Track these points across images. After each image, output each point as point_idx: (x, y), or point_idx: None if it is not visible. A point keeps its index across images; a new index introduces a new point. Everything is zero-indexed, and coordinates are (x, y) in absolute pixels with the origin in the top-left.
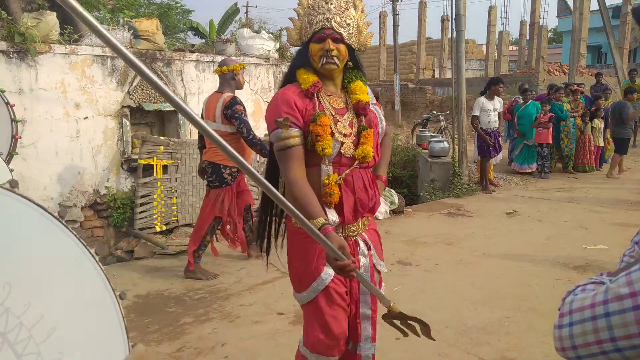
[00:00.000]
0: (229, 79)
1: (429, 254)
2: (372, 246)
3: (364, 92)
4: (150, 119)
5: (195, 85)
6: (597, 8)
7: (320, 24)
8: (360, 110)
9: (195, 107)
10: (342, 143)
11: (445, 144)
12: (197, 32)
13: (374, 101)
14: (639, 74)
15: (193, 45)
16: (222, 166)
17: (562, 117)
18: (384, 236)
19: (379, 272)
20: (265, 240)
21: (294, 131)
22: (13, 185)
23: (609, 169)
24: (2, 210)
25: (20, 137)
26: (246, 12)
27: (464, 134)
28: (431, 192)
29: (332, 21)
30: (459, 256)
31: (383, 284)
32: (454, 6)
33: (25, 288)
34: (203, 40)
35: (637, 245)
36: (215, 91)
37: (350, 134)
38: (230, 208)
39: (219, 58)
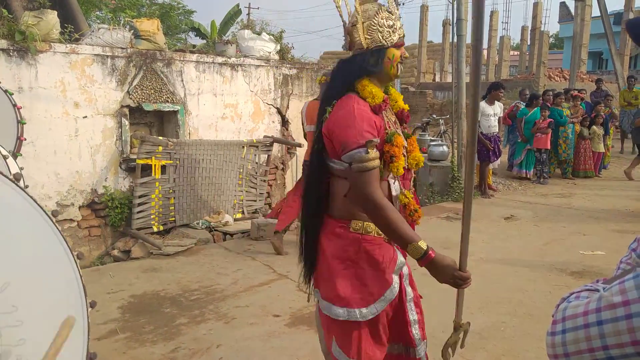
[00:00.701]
0: None
1: None
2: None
3: (401, 98)
4: (149, 119)
5: (195, 85)
6: (599, 14)
7: (401, 30)
8: (404, 118)
9: (195, 107)
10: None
11: (445, 148)
12: (199, 32)
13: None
14: (638, 81)
15: (194, 45)
16: None
17: (561, 123)
18: None
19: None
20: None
21: (376, 152)
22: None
23: (629, 166)
24: None
25: (25, 139)
26: (248, 14)
27: (463, 139)
28: (430, 195)
29: (401, 29)
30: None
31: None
32: (455, 11)
33: None
34: (204, 41)
35: (634, 253)
36: (315, 99)
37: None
38: None
39: (220, 59)
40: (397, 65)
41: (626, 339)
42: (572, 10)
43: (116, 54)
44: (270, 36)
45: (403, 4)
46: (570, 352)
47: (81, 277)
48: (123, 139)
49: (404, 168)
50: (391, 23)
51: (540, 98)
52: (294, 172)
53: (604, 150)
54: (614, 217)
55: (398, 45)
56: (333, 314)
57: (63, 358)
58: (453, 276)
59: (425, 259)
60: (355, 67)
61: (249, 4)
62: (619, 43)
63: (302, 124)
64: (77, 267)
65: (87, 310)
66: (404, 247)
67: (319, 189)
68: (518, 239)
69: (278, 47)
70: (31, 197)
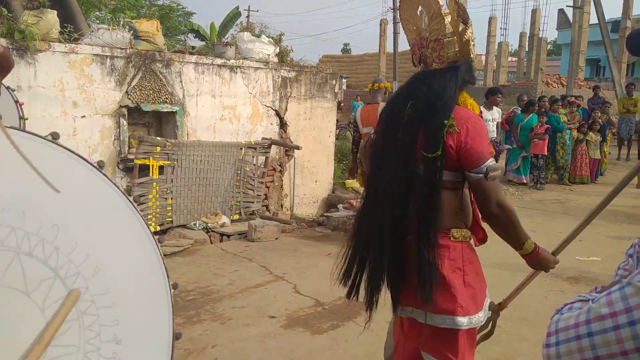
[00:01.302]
0: (382, 93)
1: None
2: None
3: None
4: (147, 119)
5: (194, 86)
6: (597, 22)
7: None
8: None
9: (193, 108)
10: None
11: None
12: (198, 34)
13: None
14: (637, 89)
15: (193, 47)
16: None
17: (559, 129)
18: None
19: None
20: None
21: None
22: (55, 137)
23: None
24: (47, 160)
25: (27, 119)
26: (247, 16)
27: None
28: None
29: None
30: None
31: None
32: None
33: (73, 229)
34: (204, 43)
35: (631, 258)
36: (368, 103)
37: None
38: None
39: (219, 60)
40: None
41: (615, 350)
42: (570, 18)
43: (115, 54)
44: (270, 39)
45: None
46: None
47: (163, 259)
48: (121, 139)
49: None
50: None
51: (537, 104)
52: (291, 174)
53: (600, 157)
54: (610, 224)
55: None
56: (455, 325)
57: (151, 337)
58: (550, 266)
59: (535, 255)
60: (458, 79)
61: (249, 6)
62: (617, 50)
63: (358, 127)
64: (159, 249)
65: (171, 291)
66: (520, 246)
67: (438, 202)
68: None
69: (277, 50)
70: (121, 191)
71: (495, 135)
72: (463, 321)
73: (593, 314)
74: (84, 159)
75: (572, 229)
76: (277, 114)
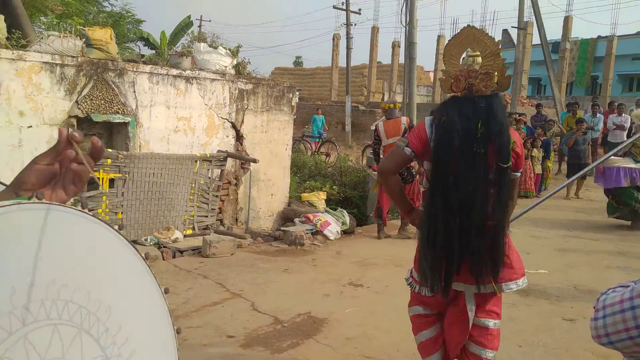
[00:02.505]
0: (397, 110)
1: (379, 276)
2: None
3: None
4: (98, 130)
5: (147, 97)
6: (539, 42)
7: None
8: None
9: (147, 119)
10: None
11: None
12: (148, 42)
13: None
14: (580, 107)
15: (143, 55)
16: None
17: None
18: (335, 256)
19: None
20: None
21: None
22: (120, 228)
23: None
24: (109, 246)
25: None
26: (199, 26)
27: None
28: None
29: None
30: None
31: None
32: (407, 34)
33: (119, 312)
34: (154, 51)
35: None
36: (388, 118)
37: None
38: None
39: (174, 71)
40: None
41: None
42: (514, 38)
43: (66, 62)
44: (227, 50)
45: (354, 24)
46: (610, 332)
47: (175, 334)
48: None
49: None
50: None
51: None
52: (247, 188)
53: (541, 172)
54: (554, 237)
55: None
56: (519, 287)
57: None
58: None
59: None
60: (503, 104)
61: (201, 16)
62: (557, 70)
63: (380, 139)
64: (173, 321)
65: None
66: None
67: (508, 200)
68: None
69: (235, 62)
70: (137, 249)
71: None
72: (525, 280)
73: (636, 292)
74: (134, 246)
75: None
76: (234, 126)
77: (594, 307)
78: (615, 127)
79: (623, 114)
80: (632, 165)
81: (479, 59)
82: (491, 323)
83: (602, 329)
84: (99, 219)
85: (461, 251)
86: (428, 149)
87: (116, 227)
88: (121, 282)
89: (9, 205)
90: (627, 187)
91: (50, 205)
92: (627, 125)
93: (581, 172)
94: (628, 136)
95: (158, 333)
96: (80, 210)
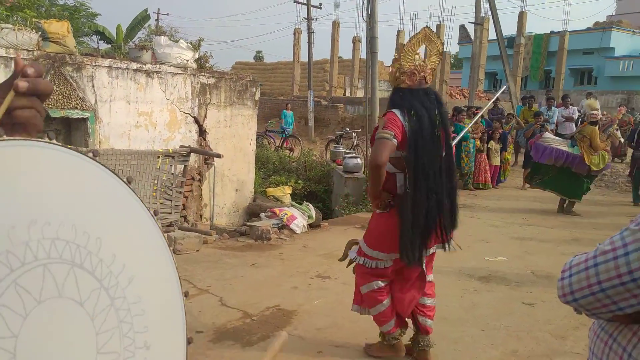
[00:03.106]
0: None
1: (345, 267)
2: None
3: None
4: (56, 126)
5: (107, 92)
6: (495, 37)
7: None
8: None
9: (106, 114)
10: None
11: (359, 160)
12: (103, 36)
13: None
14: (536, 101)
15: (99, 50)
16: None
17: (463, 138)
18: (302, 250)
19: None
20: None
21: None
22: (95, 154)
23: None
24: (88, 175)
25: None
26: (157, 19)
27: None
28: (346, 206)
29: None
30: None
31: (356, 254)
32: (368, 29)
33: (111, 241)
34: (109, 46)
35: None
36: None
37: None
38: None
39: (134, 65)
40: None
41: (613, 274)
42: (471, 33)
43: (21, 56)
44: (188, 44)
45: (316, 19)
46: (575, 290)
47: (176, 267)
48: None
49: None
50: None
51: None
52: (211, 183)
53: (499, 164)
54: (511, 226)
55: None
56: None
57: (171, 342)
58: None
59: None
60: None
61: (158, 9)
62: (512, 64)
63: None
64: (173, 257)
65: (183, 298)
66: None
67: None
68: None
69: (196, 56)
70: (146, 206)
71: None
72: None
73: (599, 251)
74: (115, 173)
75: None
76: (196, 121)
77: (562, 270)
78: (564, 119)
79: (570, 106)
80: (564, 147)
81: (434, 57)
82: (431, 277)
83: (568, 287)
84: (69, 148)
85: (437, 218)
86: (405, 138)
87: (90, 154)
88: (105, 209)
89: None
90: (545, 164)
91: (8, 141)
92: (575, 116)
93: None
94: (576, 127)
95: (154, 255)
96: (47, 142)
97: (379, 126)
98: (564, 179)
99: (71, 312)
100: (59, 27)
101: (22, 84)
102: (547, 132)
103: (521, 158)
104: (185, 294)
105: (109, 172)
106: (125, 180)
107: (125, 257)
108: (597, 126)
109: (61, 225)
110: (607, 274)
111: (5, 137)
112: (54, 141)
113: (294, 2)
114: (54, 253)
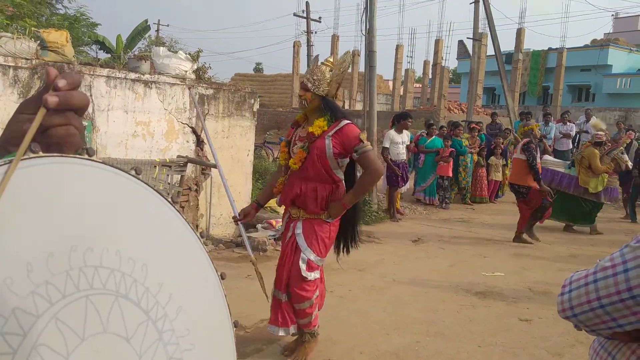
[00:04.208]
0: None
1: (342, 280)
2: (300, 230)
3: (317, 126)
4: None
5: (105, 101)
6: (493, 53)
7: (302, 79)
8: (308, 138)
9: (104, 123)
10: (290, 158)
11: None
12: (103, 46)
13: (331, 134)
14: (533, 117)
15: (98, 59)
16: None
17: (461, 152)
18: None
19: (307, 255)
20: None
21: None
22: (138, 172)
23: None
24: (131, 195)
25: None
26: (157, 30)
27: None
28: None
29: (305, 77)
30: (371, 282)
31: (315, 272)
32: (367, 43)
33: (157, 268)
34: (109, 55)
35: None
36: None
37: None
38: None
39: (132, 75)
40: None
41: (612, 290)
42: (470, 49)
43: (20, 64)
44: (187, 55)
45: (315, 32)
46: (574, 305)
47: (225, 296)
48: None
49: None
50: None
51: (434, 126)
52: (207, 194)
53: (501, 179)
54: (509, 241)
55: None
56: None
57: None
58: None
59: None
60: None
61: (159, 20)
62: (510, 80)
63: None
64: (222, 284)
65: (233, 327)
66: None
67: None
68: (426, 260)
69: (195, 66)
70: (186, 220)
71: (405, 157)
72: None
73: (599, 267)
74: (159, 192)
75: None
76: (194, 131)
77: (562, 286)
78: (561, 135)
79: (568, 123)
80: (560, 169)
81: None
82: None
83: (568, 302)
84: (112, 166)
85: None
86: None
87: (133, 171)
88: (150, 232)
89: None
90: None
91: (44, 158)
92: (573, 133)
93: None
94: (573, 144)
95: (201, 283)
96: (86, 159)
97: (358, 138)
98: (570, 204)
99: (118, 349)
100: (58, 37)
101: (52, 99)
102: (546, 155)
103: None
104: (235, 324)
105: (153, 191)
106: (169, 200)
107: (172, 286)
108: (602, 147)
109: (104, 251)
110: (606, 290)
111: (41, 153)
112: (95, 158)
113: (294, 15)
114: (97, 283)
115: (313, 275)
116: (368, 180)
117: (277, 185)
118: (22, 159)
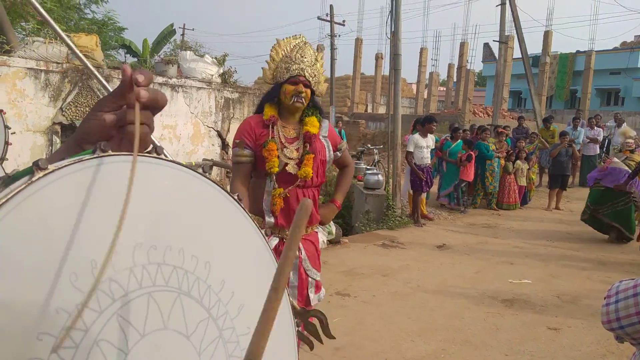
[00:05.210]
0: None
1: (366, 285)
2: (303, 251)
3: (314, 125)
4: None
5: None
6: (519, 56)
7: (296, 71)
8: (306, 139)
9: None
10: (286, 164)
11: (380, 177)
12: (130, 50)
13: (325, 134)
14: (560, 120)
15: (125, 63)
16: None
17: (488, 157)
18: (322, 267)
19: (314, 278)
20: None
21: (247, 151)
22: (159, 151)
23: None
24: (195, 191)
25: (11, 144)
26: (182, 34)
27: (398, 168)
28: (366, 223)
29: (305, 71)
30: (395, 288)
31: (322, 290)
32: (392, 46)
33: (220, 265)
34: (135, 59)
35: None
36: None
37: (296, 157)
38: None
39: (160, 79)
40: (291, 97)
41: None
42: (495, 52)
43: (51, 68)
44: (213, 59)
45: (339, 35)
46: (621, 317)
47: (289, 297)
48: None
49: (289, 174)
50: (288, 66)
51: (460, 131)
52: None
53: (526, 184)
54: (537, 247)
55: (292, 82)
56: None
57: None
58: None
59: None
60: (264, 96)
61: (184, 24)
62: (537, 83)
63: None
64: (249, 216)
65: (295, 328)
66: None
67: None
68: (451, 266)
69: (221, 70)
70: (251, 218)
71: (429, 162)
72: None
73: None
74: (225, 189)
75: None
76: (219, 134)
77: (605, 296)
78: (588, 140)
79: (596, 127)
80: (625, 168)
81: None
82: None
83: (614, 313)
84: (180, 164)
85: None
86: None
87: (200, 169)
88: (214, 229)
89: (67, 165)
90: (609, 191)
91: (114, 156)
92: (600, 138)
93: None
94: (601, 149)
95: (264, 281)
96: (154, 157)
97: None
98: (621, 208)
99: (177, 346)
100: (88, 41)
101: (144, 92)
102: (614, 158)
103: (546, 178)
104: (297, 324)
105: (218, 188)
106: (236, 198)
107: (234, 283)
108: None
109: (168, 248)
110: None
111: (110, 152)
112: (163, 155)
113: (318, 19)
114: (160, 280)
115: (321, 295)
116: (350, 176)
117: (274, 201)
118: (138, 155)
